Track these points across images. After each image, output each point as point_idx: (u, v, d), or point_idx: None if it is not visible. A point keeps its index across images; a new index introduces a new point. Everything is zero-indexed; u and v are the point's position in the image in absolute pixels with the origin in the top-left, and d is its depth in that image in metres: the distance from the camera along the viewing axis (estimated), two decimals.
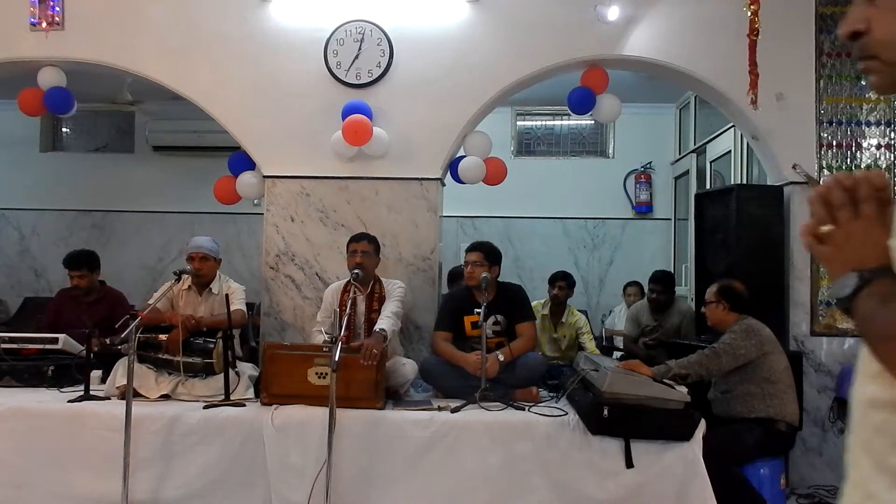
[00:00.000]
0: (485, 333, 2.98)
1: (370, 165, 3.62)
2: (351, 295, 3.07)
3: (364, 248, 3.12)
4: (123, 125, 5.77)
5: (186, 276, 3.14)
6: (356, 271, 3.17)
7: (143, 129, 5.63)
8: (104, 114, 5.74)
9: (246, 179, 3.74)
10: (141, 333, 2.83)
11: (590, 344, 3.97)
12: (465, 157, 3.67)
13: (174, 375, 2.92)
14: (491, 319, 3.05)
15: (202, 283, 3.19)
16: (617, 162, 5.64)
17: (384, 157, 3.60)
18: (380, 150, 3.55)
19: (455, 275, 4.19)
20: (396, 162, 3.61)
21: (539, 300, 4.39)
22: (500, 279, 3.19)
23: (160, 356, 2.89)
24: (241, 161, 3.77)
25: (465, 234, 5.62)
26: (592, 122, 5.60)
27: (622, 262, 5.53)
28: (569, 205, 5.58)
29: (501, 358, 2.92)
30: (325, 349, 2.66)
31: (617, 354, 4.15)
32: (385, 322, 2.87)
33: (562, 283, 4.14)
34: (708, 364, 2.66)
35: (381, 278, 3.17)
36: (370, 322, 3.02)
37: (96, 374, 2.99)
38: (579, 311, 4.15)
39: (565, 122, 5.72)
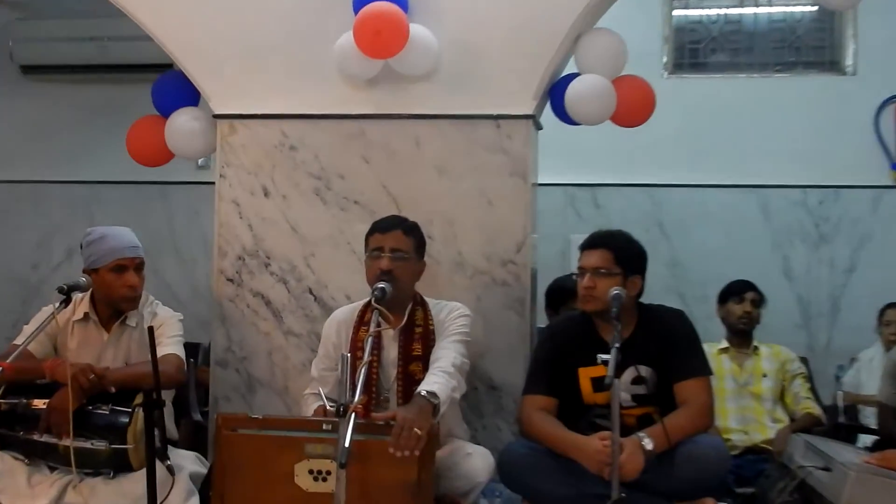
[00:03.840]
0: (617, 399, 2.88)
1: (404, 94, 3.69)
2: (373, 328, 2.99)
3: (396, 245, 3.19)
4: None
5: (81, 295, 3.27)
6: (381, 286, 3.12)
7: (4, 39, 5.58)
8: None
9: (183, 123, 3.83)
10: (2, 398, 2.97)
11: (810, 407, 4.05)
12: (577, 76, 3.69)
13: (61, 472, 3.00)
14: (628, 373, 3.11)
15: (111, 310, 3.32)
16: (862, 83, 5.42)
17: (430, 77, 3.65)
18: (422, 66, 3.60)
19: (561, 292, 4.23)
20: (452, 87, 3.66)
21: (716, 343, 4.32)
22: (643, 300, 3.24)
23: (37, 438, 2.98)
24: (176, 90, 3.86)
25: (579, 217, 5.65)
26: (815, 7, 5.52)
27: (874, 266, 5.33)
28: (772, 163, 5.44)
29: (649, 446, 2.94)
30: (325, 427, 2.75)
31: (866, 439, 4.14)
32: (435, 380, 2.94)
33: (752, 294, 4.27)
34: None
35: (427, 300, 3.27)
36: (407, 378, 3.14)
37: None
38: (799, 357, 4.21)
39: (763, 11, 5.64)
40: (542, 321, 4.14)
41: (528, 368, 3.37)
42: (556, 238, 5.45)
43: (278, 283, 3.80)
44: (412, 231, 3.26)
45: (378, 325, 3.01)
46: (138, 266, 3.31)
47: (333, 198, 3.76)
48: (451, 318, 3.22)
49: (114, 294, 3.26)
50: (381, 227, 3.25)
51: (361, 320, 3.24)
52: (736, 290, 4.32)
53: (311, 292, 3.78)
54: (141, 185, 5.74)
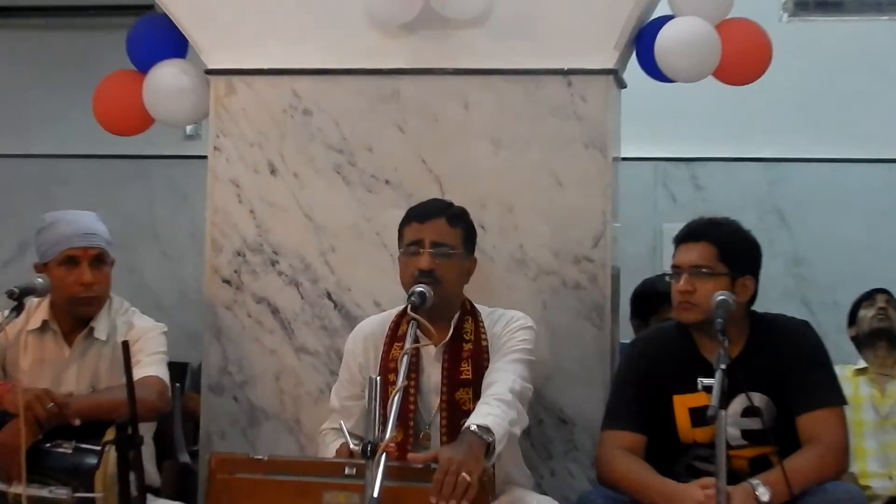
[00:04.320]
0: (723, 436, 2.87)
1: (449, 44, 3.74)
2: (409, 344, 3.00)
3: (439, 237, 3.23)
4: None
5: (36, 300, 3.29)
6: (420, 290, 3.13)
7: None
8: None
9: (167, 80, 3.88)
10: None
11: None
12: (670, 19, 3.69)
13: None
14: (738, 403, 3.12)
15: (77, 316, 3.34)
16: None
17: (481, 22, 3.69)
18: (472, 7, 3.63)
19: (651, 298, 4.32)
20: (509, 34, 3.71)
21: (850, 364, 4.32)
22: (756, 307, 3.28)
23: None
24: (157, 38, 3.92)
25: (673, 201, 5.66)
26: None
27: None
28: None
29: (765, 497, 2.91)
30: (348, 471, 2.76)
31: None
32: (489, 410, 2.96)
33: (884, 296, 4.31)
34: None
35: (478, 307, 3.32)
36: (453, 408, 3.18)
37: None
38: None
39: None
40: (627, 335, 4.15)
41: (609, 396, 3.40)
42: (644, 228, 5.43)
43: (288, 285, 3.83)
44: (459, 219, 3.29)
45: (416, 340, 3.03)
46: (96, 259, 3.32)
47: (359, 177, 3.80)
48: (510, 331, 3.25)
49: (64, 294, 3.27)
50: (420, 214, 3.28)
51: (395, 334, 3.27)
52: (865, 297, 4.36)
53: (329, 298, 3.81)
54: (112, 159, 5.80)
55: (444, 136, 3.77)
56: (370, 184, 3.81)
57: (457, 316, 3.27)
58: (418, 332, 3.05)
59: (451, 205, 3.35)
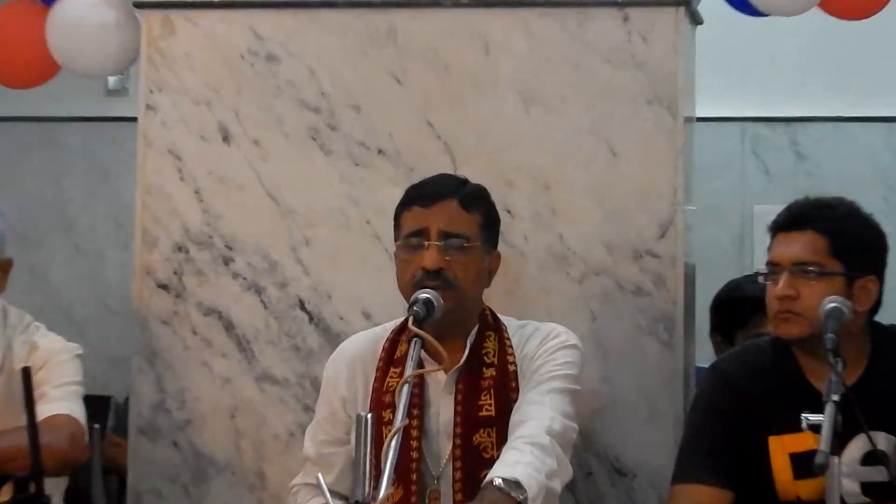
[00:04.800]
0: (837, 490, 2.82)
1: None
2: (409, 370, 3.00)
3: (449, 225, 3.25)
4: None
5: None
6: (425, 296, 3.14)
7: None
8: None
9: (80, 13, 3.93)
10: None
11: None
12: None
13: None
14: (857, 446, 3.11)
15: None
16: None
17: None
18: None
19: (738, 306, 4.29)
20: None
21: None
22: (880, 318, 3.31)
23: None
24: None
25: (767, 175, 5.64)
26: None
27: None
28: None
29: None
30: None
31: None
32: (518, 458, 2.98)
33: None
34: None
35: (503, 319, 3.36)
36: (470, 455, 3.20)
37: None
38: None
39: None
40: (706, 356, 4.17)
41: (682, 438, 3.41)
42: (728, 212, 5.45)
43: (247, 291, 3.87)
44: (477, 202, 3.31)
45: (420, 364, 3.05)
46: None
47: (342, 145, 3.83)
48: (546, 351, 3.27)
49: None
50: (424, 195, 3.28)
51: (390, 357, 3.29)
52: None
53: (303, 308, 3.84)
54: (8, 122, 5.81)
55: (456, 89, 3.82)
56: (357, 154, 3.85)
57: (474, 331, 3.29)
58: (423, 353, 3.07)
59: (465, 182, 3.37)
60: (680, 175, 3.75)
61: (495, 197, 3.41)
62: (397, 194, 3.41)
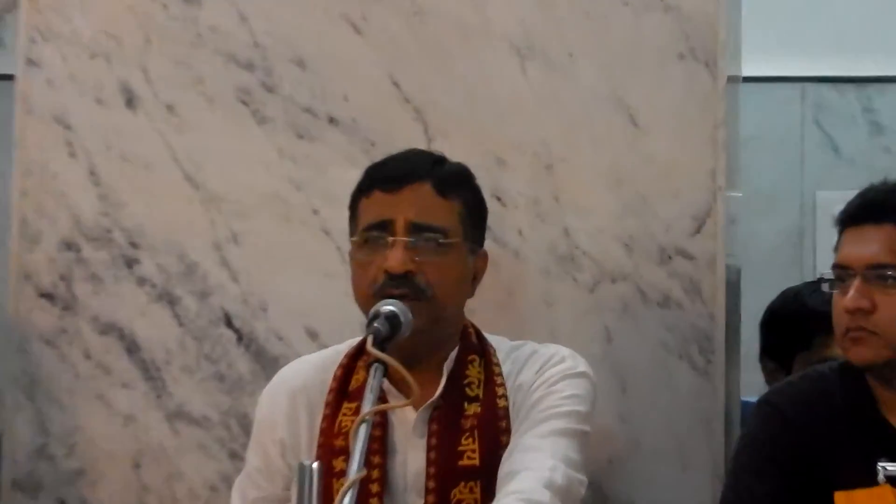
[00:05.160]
0: None
1: None
2: (369, 405, 2.86)
3: (421, 215, 3.17)
4: None
5: None
6: (388, 310, 3.03)
7: None
8: None
9: None
10: None
11: None
12: None
13: None
14: None
15: None
16: None
17: None
18: None
19: (796, 321, 4.21)
20: None
21: None
22: None
23: None
24: None
25: (832, 149, 5.71)
26: None
27: None
28: None
29: None
30: None
31: None
32: None
33: None
34: None
35: (491, 339, 3.32)
36: None
37: None
38: None
39: None
40: (754, 386, 4.11)
41: (723, 492, 3.37)
42: (784, 199, 5.46)
43: (157, 302, 3.83)
44: (458, 186, 3.22)
45: (382, 398, 3.02)
46: None
47: (281, 111, 3.83)
48: (547, 380, 3.18)
49: None
50: (389, 176, 3.20)
51: (343, 388, 3.21)
52: None
53: (229, 324, 3.82)
54: None
55: (431, 40, 3.83)
56: (302, 124, 3.83)
57: (454, 355, 3.20)
58: (386, 384, 3.04)
59: (442, 160, 3.29)
60: (721, 152, 3.73)
61: (482, 179, 3.33)
62: (354, 176, 3.28)
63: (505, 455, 3.09)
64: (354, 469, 2.65)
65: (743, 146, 3.90)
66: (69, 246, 3.84)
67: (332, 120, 3.78)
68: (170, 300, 3.83)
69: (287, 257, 3.81)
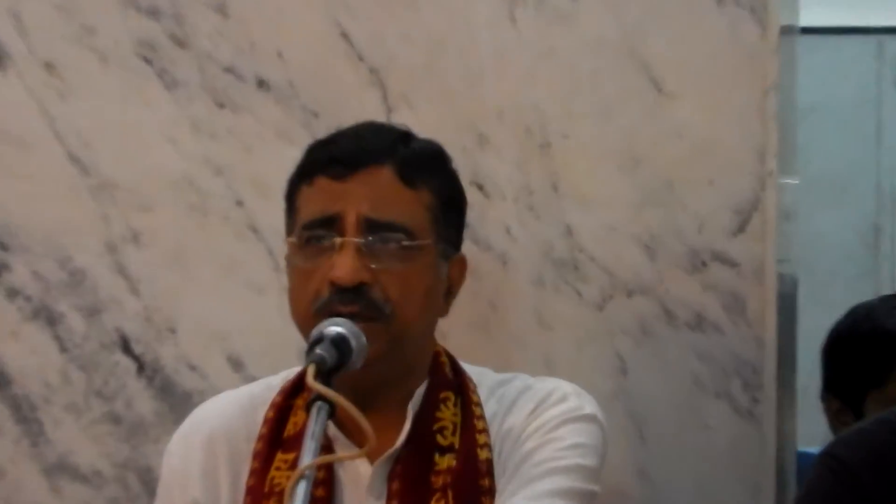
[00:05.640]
0: None
1: None
2: (309, 457, 2.82)
3: (378, 210, 3.15)
4: None
5: None
6: (336, 330, 3.00)
7: None
8: None
9: None
10: None
11: None
12: None
13: None
14: None
15: None
16: None
17: None
18: None
19: (870, 348, 4.24)
20: None
21: None
22: None
23: None
24: None
25: None
26: None
27: None
28: None
29: None
30: None
31: None
32: None
33: None
34: None
35: (468, 369, 3.32)
36: None
37: None
38: None
39: None
40: (814, 433, 4.15)
41: None
42: (854, 188, 5.48)
43: (32, 320, 3.85)
44: (427, 170, 3.19)
45: (328, 447, 3.03)
46: None
47: (196, 73, 3.87)
48: (544, 425, 3.15)
49: None
50: (337, 157, 3.15)
51: (277, 435, 3.18)
52: None
53: (126, 349, 3.83)
54: None
55: None
56: (222, 88, 3.84)
57: (421, 391, 3.18)
58: (333, 429, 3.05)
59: (407, 137, 3.27)
60: (771, 125, 3.75)
61: (459, 162, 3.33)
62: (291, 156, 3.27)
63: None
64: None
65: (801, 118, 3.94)
66: None
67: (261, 83, 3.78)
68: (49, 318, 3.81)
69: (202, 263, 3.80)
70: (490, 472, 3.14)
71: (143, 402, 3.77)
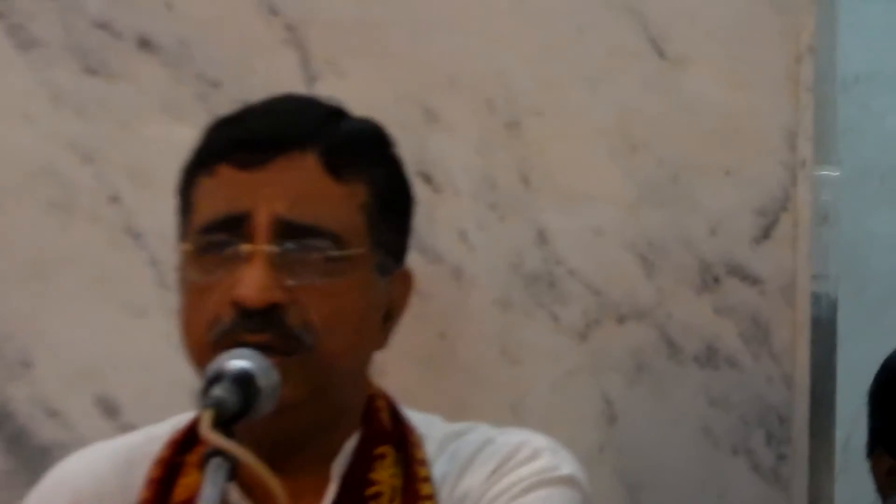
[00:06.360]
0: None
1: None
2: None
3: (292, 210, 3.12)
4: None
5: None
6: (238, 365, 2.92)
7: None
8: None
9: None
10: None
11: None
12: None
13: None
14: None
15: None
16: None
17: None
18: None
19: None
20: None
21: None
22: None
23: None
24: None
25: None
26: None
27: None
28: None
29: None
30: None
31: None
32: None
33: None
34: None
35: (413, 417, 3.33)
36: None
37: None
38: None
39: None
40: (860, 498, 4.08)
41: None
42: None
43: None
44: (361, 158, 3.15)
45: None
46: None
47: (59, 29, 3.87)
48: (508, 489, 3.12)
49: None
50: (245, 140, 3.09)
51: (162, 497, 3.12)
52: None
53: None
54: None
55: None
56: (95, 48, 3.81)
57: (350, 446, 3.17)
58: (235, 493, 3.02)
59: (337, 114, 3.27)
60: (805, 101, 3.75)
61: (406, 146, 3.30)
62: (184, 137, 3.24)
63: None
64: None
65: (844, 91, 3.91)
66: None
67: (144, 43, 3.75)
68: None
69: (66, 276, 3.76)
70: None
71: None
